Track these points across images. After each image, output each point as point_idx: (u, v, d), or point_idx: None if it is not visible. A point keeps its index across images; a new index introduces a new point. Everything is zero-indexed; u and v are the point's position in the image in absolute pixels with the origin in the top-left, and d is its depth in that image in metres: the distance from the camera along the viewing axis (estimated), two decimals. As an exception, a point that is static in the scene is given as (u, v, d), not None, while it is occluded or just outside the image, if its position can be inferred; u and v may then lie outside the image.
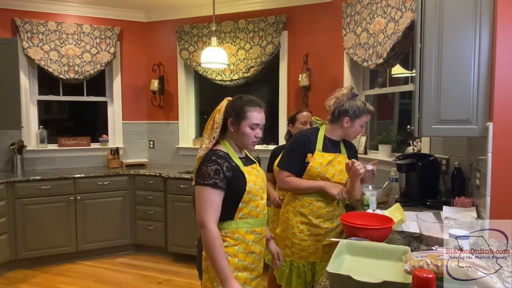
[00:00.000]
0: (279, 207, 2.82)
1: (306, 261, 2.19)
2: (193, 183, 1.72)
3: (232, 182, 1.66)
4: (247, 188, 1.67)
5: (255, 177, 1.73)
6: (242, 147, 1.79)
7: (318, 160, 2.14)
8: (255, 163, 1.85)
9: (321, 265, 2.17)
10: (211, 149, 1.70)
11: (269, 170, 2.95)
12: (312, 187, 2.16)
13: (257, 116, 1.72)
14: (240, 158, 1.75)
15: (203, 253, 1.73)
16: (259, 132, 1.74)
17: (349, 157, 2.20)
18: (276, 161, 2.80)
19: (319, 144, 2.18)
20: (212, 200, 1.62)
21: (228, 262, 1.65)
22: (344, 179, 2.17)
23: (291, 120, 2.90)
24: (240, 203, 1.68)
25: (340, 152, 2.22)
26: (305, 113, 2.87)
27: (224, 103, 1.74)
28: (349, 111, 2.16)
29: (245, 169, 1.71)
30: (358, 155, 3.55)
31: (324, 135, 2.22)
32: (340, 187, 2.12)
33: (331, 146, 2.20)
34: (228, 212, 1.69)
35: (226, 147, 1.73)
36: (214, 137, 1.70)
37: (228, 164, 1.66)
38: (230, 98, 1.78)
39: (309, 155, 2.16)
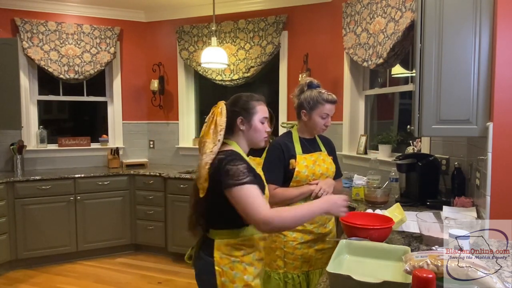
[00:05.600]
0: None
1: (300, 271, 2.10)
2: (222, 188, 1.51)
3: None
4: (265, 191, 1.61)
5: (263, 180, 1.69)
6: (254, 145, 1.70)
7: (303, 163, 2.07)
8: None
9: (314, 273, 2.12)
10: (219, 151, 1.57)
11: None
12: (303, 192, 2.06)
13: (264, 109, 1.69)
14: None
15: (217, 268, 1.58)
16: (267, 127, 1.70)
17: (329, 153, 2.19)
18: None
19: (298, 148, 2.11)
20: (256, 193, 1.48)
21: (247, 272, 1.57)
22: (330, 175, 2.15)
23: None
24: None
25: (320, 150, 2.19)
26: None
27: (222, 106, 1.63)
28: (303, 104, 2.10)
29: (259, 169, 1.67)
30: (359, 155, 3.59)
31: (299, 137, 2.16)
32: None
33: (309, 145, 2.15)
34: (239, 216, 1.60)
35: (236, 148, 1.63)
36: (219, 140, 1.57)
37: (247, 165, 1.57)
38: (225, 102, 1.68)
39: (292, 161, 2.07)
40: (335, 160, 2.24)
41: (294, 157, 2.08)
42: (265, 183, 1.66)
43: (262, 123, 1.67)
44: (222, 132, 1.58)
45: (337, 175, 2.26)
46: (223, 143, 1.60)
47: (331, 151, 2.24)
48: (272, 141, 2.26)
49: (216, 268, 1.58)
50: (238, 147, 1.65)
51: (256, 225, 1.49)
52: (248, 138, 1.68)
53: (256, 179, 1.53)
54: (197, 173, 1.60)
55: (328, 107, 2.08)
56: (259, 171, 1.69)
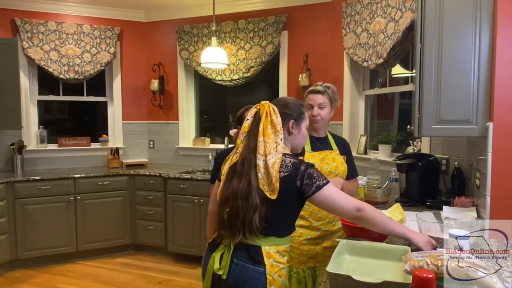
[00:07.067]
0: None
1: (306, 266, 2.12)
2: (307, 193, 1.48)
3: None
4: None
5: None
6: (297, 149, 1.69)
7: (310, 160, 2.05)
8: None
9: (321, 270, 2.10)
10: (286, 154, 1.55)
11: (215, 180, 2.23)
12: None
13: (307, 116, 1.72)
14: None
15: (268, 278, 1.48)
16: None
17: (341, 153, 2.17)
18: None
19: (307, 145, 2.11)
20: (339, 189, 1.55)
21: (285, 277, 1.55)
22: (340, 174, 2.12)
23: (240, 121, 2.36)
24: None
25: (331, 148, 2.17)
26: None
27: (271, 105, 1.56)
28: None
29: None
30: (359, 155, 3.59)
31: (309, 135, 2.11)
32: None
33: (319, 144, 2.15)
34: (294, 222, 1.60)
35: (287, 152, 1.59)
36: (281, 139, 1.52)
37: None
38: (267, 102, 1.58)
39: (300, 158, 2.03)
40: (348, 160, 2.21)
41: (302, 154, 2.08)
42: None
43: (306, 129, 1.69)
44: (282, 132, 1.54)
45: (352, 174, 2.24)
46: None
47: (344, 150, 2.22)
48: None
49: (268, 277, 1.49)
50: (288, 150, 1.62)
51: (349, 213, 1.50)
52: (294, 143, 1.66)
53: None
54: (250, 174, 1.48)
55: (310, 97, 2.11)
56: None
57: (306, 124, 1.68)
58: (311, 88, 2.17)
